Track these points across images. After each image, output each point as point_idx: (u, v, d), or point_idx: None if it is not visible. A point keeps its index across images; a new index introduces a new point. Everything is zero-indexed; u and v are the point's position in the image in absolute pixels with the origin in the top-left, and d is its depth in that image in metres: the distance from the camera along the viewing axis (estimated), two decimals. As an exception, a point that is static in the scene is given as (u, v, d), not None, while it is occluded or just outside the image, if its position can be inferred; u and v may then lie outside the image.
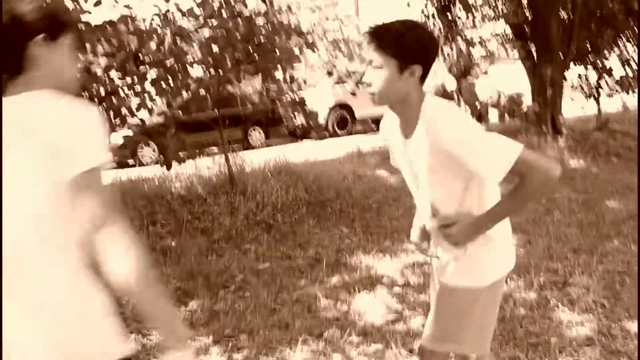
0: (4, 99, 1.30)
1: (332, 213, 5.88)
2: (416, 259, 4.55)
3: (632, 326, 3.21)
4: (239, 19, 5.05)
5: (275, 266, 4.56)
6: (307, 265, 4.61)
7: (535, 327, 3.30)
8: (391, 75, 1.70)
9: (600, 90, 12.26)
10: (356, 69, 18.00)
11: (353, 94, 14.72)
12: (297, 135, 13.96)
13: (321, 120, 12.60)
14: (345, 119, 14.82)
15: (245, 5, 5.46)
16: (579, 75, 12.14)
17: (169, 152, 4.73)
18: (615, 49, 11.81)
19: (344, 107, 14.68)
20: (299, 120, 10.12)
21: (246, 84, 5.87)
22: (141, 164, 10.14)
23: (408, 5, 10.13)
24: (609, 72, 12.04)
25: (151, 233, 4.98)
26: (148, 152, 10.41)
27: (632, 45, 12.18)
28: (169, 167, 4.85)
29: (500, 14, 10.46)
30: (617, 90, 12.27)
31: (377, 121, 16.44)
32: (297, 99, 6.23)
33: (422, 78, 1.75)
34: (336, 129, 14.58)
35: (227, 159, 6.03)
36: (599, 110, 12.30)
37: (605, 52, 11.71)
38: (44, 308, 1.34)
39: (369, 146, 9.04)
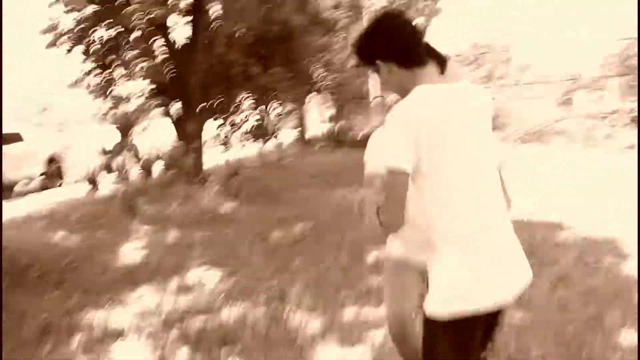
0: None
1: (38, 278, 5.60)
2: (143, 308, 4.89)
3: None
4: None
5: (3, 339, 4.22)
6: (39, 334, 4.38)
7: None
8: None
9: (232, 140, 14.24)
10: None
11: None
12: None
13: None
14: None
15: None
16: (217, 128, 13.86)
17: None
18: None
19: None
20: None
21: None
22: None
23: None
24: (238, 125, 14.15)
25: None
26: None
27: (251, 103, 14.61)
28: None
29: (145, 72, 11.21)
30: (247, 140, 14.43)
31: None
32: None
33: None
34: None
35: None
36: (233, 158, 14.21)
37: (234, 108, 13.75)
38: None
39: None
